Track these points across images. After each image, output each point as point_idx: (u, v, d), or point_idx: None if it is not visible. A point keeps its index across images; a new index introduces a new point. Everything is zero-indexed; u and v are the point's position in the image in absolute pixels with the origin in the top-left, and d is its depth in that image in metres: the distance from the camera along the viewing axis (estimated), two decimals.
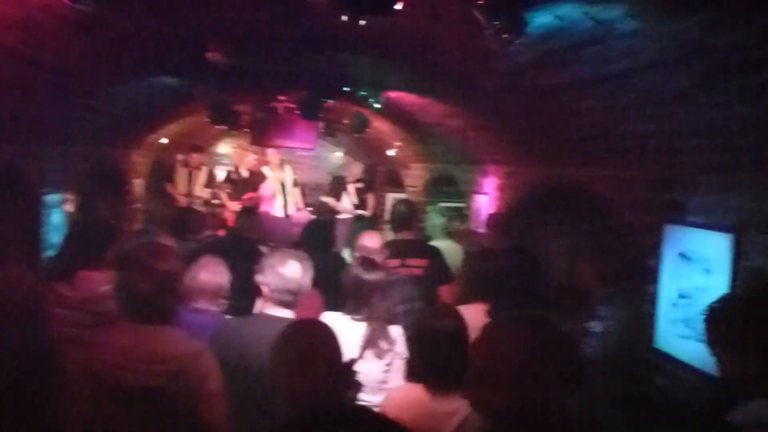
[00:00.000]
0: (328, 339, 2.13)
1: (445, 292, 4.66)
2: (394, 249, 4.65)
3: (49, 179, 5.63)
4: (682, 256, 3.51)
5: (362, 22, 2.81)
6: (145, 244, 2.65)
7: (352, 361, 2.35)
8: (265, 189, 9.63)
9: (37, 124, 4.72)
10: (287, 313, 2.97)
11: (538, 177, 5.56)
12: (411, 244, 4.87)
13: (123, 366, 2.30)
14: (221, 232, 6.88)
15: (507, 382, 1.69)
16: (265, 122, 8.11)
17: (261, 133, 8.39)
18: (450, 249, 5.47)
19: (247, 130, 9.20)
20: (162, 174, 10.39)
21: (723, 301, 2.63)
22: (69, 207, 5.97)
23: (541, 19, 3.04)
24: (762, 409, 2.33)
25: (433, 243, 5.53)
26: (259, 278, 3.00)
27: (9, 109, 4.11)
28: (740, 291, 3.02)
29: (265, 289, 2.98)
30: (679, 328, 3.52)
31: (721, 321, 2.55)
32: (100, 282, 3.25)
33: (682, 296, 3.51)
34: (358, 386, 3.21)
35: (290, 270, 2.97)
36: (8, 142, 4.52)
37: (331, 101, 7.20)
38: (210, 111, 7.63)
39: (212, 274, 3.44)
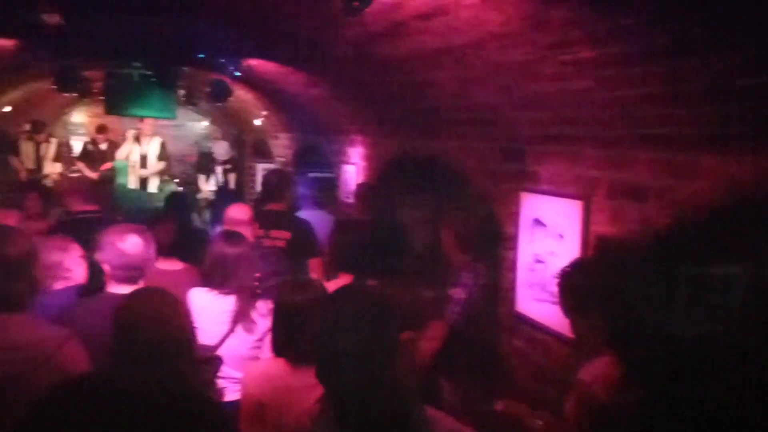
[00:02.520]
0: (171, 307, 2.05)
1: (315, 265, 4.61)
2: (261, 220, 4.54)
3: None
4: (537, 222, 3.65)
5: None
6: None
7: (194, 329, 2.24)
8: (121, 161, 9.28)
9: None
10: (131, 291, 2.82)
11: (399, 147, 5.60)
12: (278, 215, 4.76)
13: None
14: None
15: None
16: (119, 90, 7.60)
17: (115, 102, 7.85)
18: (320, 220, 5.41)
19: (101, 98, 8.64)
20: (5, 145, 9.69)
21: (572, 265, 2.76)
22: None
23: None
24: (605, 367, 2.47)
25: (303, 214, 5.45)
26: (99, 256, 2.83)
27: None
28: (588, 256, 3.18)
29: (106, 267, 2.82)
30: (536, 292, 3.67)
31: (571, 285, 2.67)
32: None
33: (538, 261, 3.66)
34: (218, 362, 3.14)
35: (130, 245, 2.82)
36: None
37: (188, 68, 6.89)
38: (56, 77, 7.06)
39: (61, 252, 3.20)
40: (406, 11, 3.20)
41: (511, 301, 3.91)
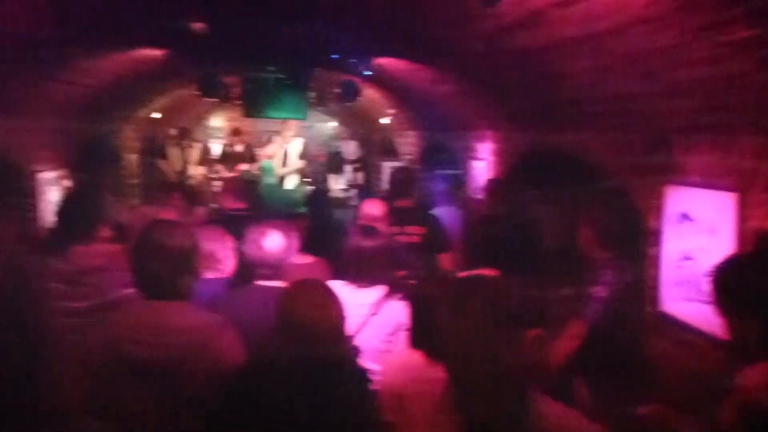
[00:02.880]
0: (330, 300, 2.30)
1: (446, 260, 4.63)
2: (394, 217, 4.61)
3: (42, 156, 5.69)
4: (685, 216, 3.44)
5: None
6: (159, 222, 2.65)
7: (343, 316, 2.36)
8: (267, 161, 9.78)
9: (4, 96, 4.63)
10: (276, 284, 2.93)
11: (532, 141, 5.46)
12: (409, 211, 4.82)
13: (141, 341, 2.31)
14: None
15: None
16: (256, 93, 8.00)
17: (252, 105, 8.27)
18: (450, 216, 5.43)
19: (238, 102, 9.13)
20: (155, 150, 10.46)
21: (729, 262, 2.56)
22: (66, 183, 6.00)
23: None
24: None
25: (433, 210, 5.49)
26: (243, 250, 2.99)
27: None
28: (746, 252, 2.95)
29: (248, 262, 2.97)
30: (684, 290, 3.46)
31: (727, 283, 2.48)
32: (94, 256, 3.34)
33: (686, 258, 3.44)
34: (356, 352, 3.21)
35: (270, 243, 2.95)
36: None
37: (319, 70, 7.09)
38: (199, 84, 7.53)
39: (214, 243, 3.41)
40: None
41: (655, 300, 3.71)
